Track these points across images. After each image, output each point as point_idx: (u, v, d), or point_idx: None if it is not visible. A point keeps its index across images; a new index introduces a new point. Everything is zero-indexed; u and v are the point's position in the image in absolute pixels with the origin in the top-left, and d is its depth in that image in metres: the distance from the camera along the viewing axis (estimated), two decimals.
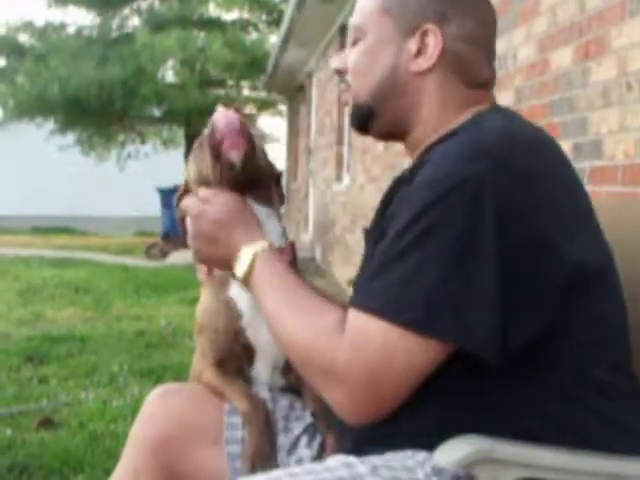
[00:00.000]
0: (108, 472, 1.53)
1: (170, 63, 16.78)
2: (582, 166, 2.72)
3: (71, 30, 17.38)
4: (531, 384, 1.12)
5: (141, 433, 1.45)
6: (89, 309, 6.84)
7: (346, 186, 8.54)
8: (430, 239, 1.07)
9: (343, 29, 8.90)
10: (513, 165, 1.09)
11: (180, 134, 18.22)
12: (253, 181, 1.39)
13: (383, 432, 1.16)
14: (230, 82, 17.54)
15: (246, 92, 18.25)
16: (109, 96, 15.18)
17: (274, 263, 1.26)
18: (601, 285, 1.16)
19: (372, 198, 6.77)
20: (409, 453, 1.14)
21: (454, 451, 1.08)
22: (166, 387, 1.51)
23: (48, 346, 5.03)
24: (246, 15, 17.47)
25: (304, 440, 1.41)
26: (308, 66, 12.14)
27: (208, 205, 1.34)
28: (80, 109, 15.46)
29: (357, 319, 1.11)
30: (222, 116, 1.36)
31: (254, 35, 17.49)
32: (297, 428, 1.43)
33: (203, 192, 1.37)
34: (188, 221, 1.37)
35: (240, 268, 1.28)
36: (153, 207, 14.07)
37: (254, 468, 1.34)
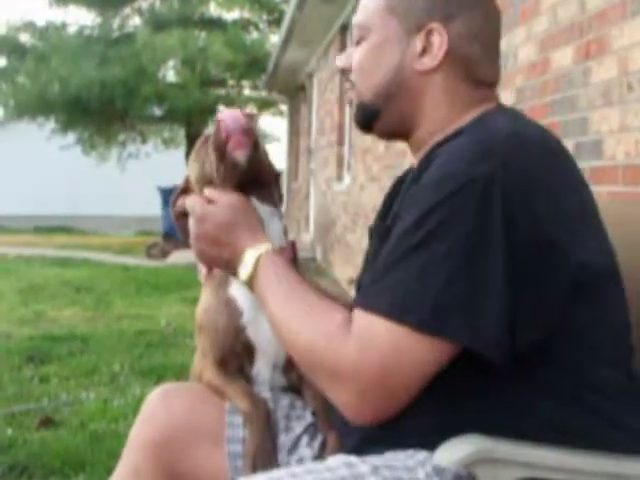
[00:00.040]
0: (109, 472, 1.53)
1: (171, 63, 16.79)
2: (583, 166, 2.71)
3: (72, 30, 17.39)
4: (532, 384, 1.12)
5: (141, 433, 1.44)
6: (90, 309, 6.85)
7: (347, 186, 8.54)
8: (438, 238, 1.07)
9: (344, 29, 8.90)
10: (520, 165, 1.09)
11: (181, 134, 18.23)
12: (256, 180, 1.40)
13: (385, 431, 1.16)
14: (231, 82, 17.53)
15: (247, 92, 18.25)
16: (110, 96, 15.18)
17: (278, 265, 1.26)
18: (605, 286, 1.16)
19: (373, 198, 6.77)
20: (410, 453, 1.14)
21: (455, 451, 1.08)
22: (166, 387, 1.51)
23: (49, 345, 5.03)
24: (247, 15, 17.47)
25: (305, 439, 1.41)
26: (309, 66, 12.14)
27: (213, 206, 1.35)
28: (81, 109, 15.46)
29: (363, 319, 1.11)
30: (229, 115, 1.37)
31: (255, 35, 17.50)
32: (298, 427, 1.43)
33: (209, 192, 1.37)
34: (191, 222, 1.37)
35: (244, 271, 1.28)
36: (154, 207, 14.07)
37: (255, 467, 1.34)
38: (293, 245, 1.46)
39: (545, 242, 1.07)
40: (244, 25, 17.25)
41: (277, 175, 1.52)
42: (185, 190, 1.48)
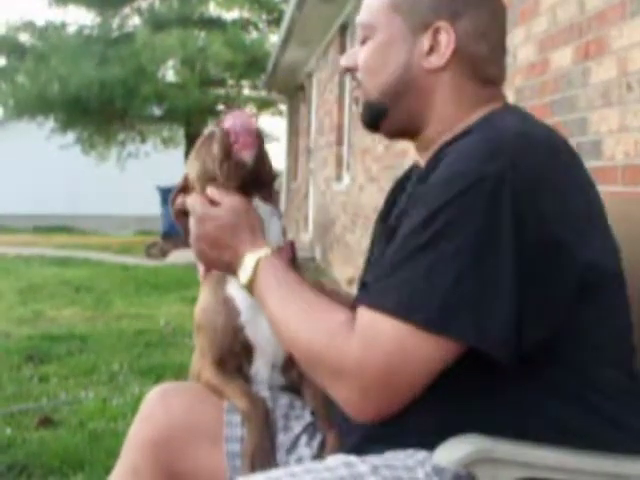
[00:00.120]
0: (108, 471, 1.53)
1: (170, 62, 16.79)
2: None
3: (71, 29, 17.40)
4: (538, 383, 1.12)
5: (140, 432, 1.44)
6: (89, 308, 6.85)
7: (346, 186, 8.54)
8: (446, 237, 1.07)
9: (343, 29, 8.90)
10: (528, 165, 1.09)
11: (180, 133, 18.23)
12: (258, 180, 1.40)
13: (386, 430, 1.16)
14: (230, 81, 17.53)
15: (246, 91, 18.27)
16: (109, 95, 15.18)
17: (277, 267, 1.27)
18: (610, 286, 1.16)
19: (372, 198, 6.77)
20: (410, 452, 1.14)
21: (454, 450, 1.08)
22: (165, 386, 1.51)
23: (48, 345, 5.03)
24: (246, 14, 17.48)
25: (304, 439, 1.41)
26: (308, 66, 12.14)
27: (214, 208, 1.35)
28: (80, 108, 15.46)
29: (368, 317, 1.11)
30: (236, 116, 1.38)
31: (254, 34, 17.50)
32: (297, 427, 1.43)
33: (212, 192, 1.37)
34: (191, 221, 1.37)
35: (244, 275, 1.28)
36: (153, 206, 14.06)
37: (253, 466, 1.34)
38: (292, 245, 1.46)
39: (552, 241, 1.07)
40: (243, 25, 17.25)
41: (275, 176, 1.53)
42: (184, 188, 1.48)
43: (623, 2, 2.50)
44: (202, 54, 15.65)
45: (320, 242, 10.51)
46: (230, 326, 1.44)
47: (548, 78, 3.09)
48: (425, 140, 1.30)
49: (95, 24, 17.79)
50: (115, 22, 18.00)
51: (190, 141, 16.39)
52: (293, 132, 15.31)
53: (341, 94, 9.12)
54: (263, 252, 1.28)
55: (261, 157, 1.39)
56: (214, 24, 16.77)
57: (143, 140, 18.23)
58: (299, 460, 1.38)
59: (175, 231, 11.85)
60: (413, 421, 1.14)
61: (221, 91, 17.69)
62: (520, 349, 1.07)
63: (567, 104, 2.90)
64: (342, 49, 9.02)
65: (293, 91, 14.82)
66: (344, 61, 1.35)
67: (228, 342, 1.45)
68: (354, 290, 1.61)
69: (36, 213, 21.98)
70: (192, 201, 1.38)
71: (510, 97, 3.41)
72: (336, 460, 1.14)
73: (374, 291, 1.14)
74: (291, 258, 1.43)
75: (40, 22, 17.49)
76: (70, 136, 17.42)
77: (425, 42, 1.24)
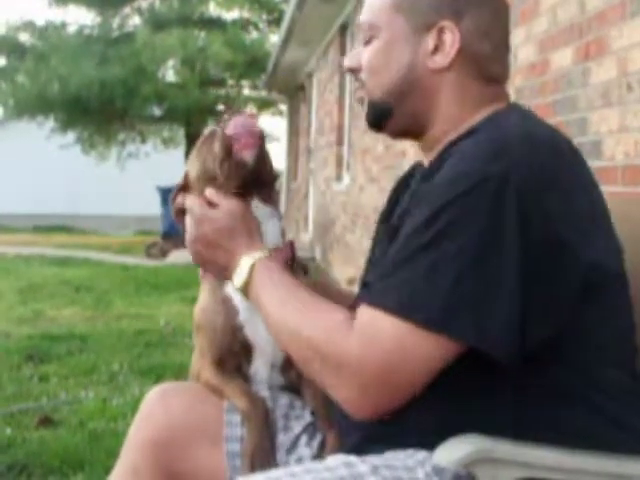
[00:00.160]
0: (108, 471, 1.53)
1: (170, 62, 16.80)
2: None
3: (72, 29, 17.40)
4: (541, 383, 1.12)
5: (140, 432, 1.44)
6: (89, 308, 6.85)
7: (346, 186, 8.54)
8: (449, 237, 1.07)
9: (344, 29, 8.90)
10: (533, 165, 1.09)
11: (180, 133, 18.24)
12: (258, 181, 1.41)
13: (386, 430, 1.16)
14: (230, 81, 17.54)
15: (246, 91, 18.27)
16: (109, 95, 15.18)
17: (273, 270, 1.27)
18: (613, 286, 1.16)
19: (372, 198, 6.77)
20: (410, 452, 1.14)
21: (454, 450, 1.08)
22: (164, 386, 1.51)
23: (48, 345, 5.03)
24: (246, 14, 17.48)
25: (304, 439, 1.41)
26: (308, 66, 12.14)
27: (212, 210, 1.35)
28: (80, 108, 15.47)
29: (368, 315, 1.11)
30: (239, 116, 1.40)
31: (254, 34, 17.51)
32: (297, 427, 1.43)
33: (210, 193, 1.37)
34: (188, 222, 1.38)
35: (239, 278, 1.28)
36: (153, 206, 14.07)
37: (253, 466, 1.34)
38: (291, 245, 1.46)
39: (556, 240, 1.07)
40: (244, 25, 17.26)
41: (275, 177, 1.53)
42: (184, 187, 1.48)
43: (623, 2, 2.50)
44: (202, 54, 15.65)
45: (320, 242, 10.51)
46: (229, 326, 1.44)
47: (548, 78, 3.09)
48: (429, 140, 1.30)
49: (95, 24, 17.80)
50: (115, 22, 18.00)
51: (190, 141, 16.39)
52: (293, 132, 15.31)
53: (341, 94, 9.12)
54: (258, 254, 1.29)
55: (262, 158, 1.39)
56: (214, 24, 16.77)
57: (143, 140, 18.24)
58: (299, 460, 1.38)
59: (175, 231, 11.87)
60: (413, 420, 1.14)
61: (221, 91, 17.70)
62: (524, 348, 1.07)
63: (567, 104, 2.90)
64: (342, 49, 9.02)
65: (293, 91, 14.83)
66: (348, 62, 1.35)
67: (227, 342, 1.45)
68: (355, 289, 1.61)
69: (36, 213, 21.98)
70: (190, 202, 1.38)
71: (510, 97, 3.40)
72: (336, 460, 1.14)
73: (375, 290, 1.14)
74: (290, 259, 1.43)
75: (40, 22, 17.57)
76: (70, 136, 17.43)
77: (429, 42, 1.24)
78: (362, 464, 1.11)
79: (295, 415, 1.45)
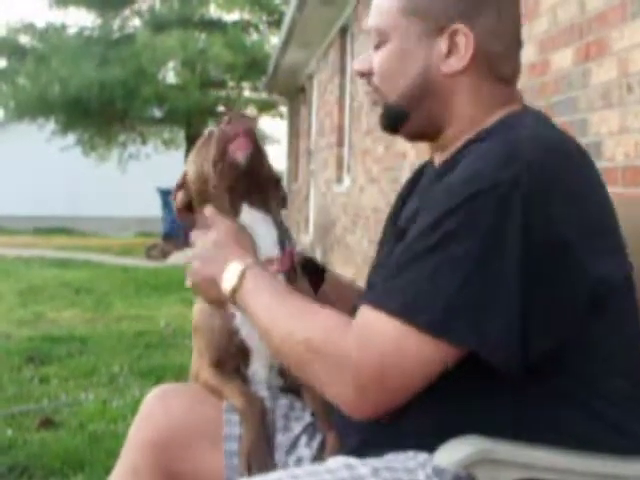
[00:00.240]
0: (108, 472, 1.53)
1: (171, 64, 16.82)
2: None
3: (72, 31, 17.42)
4: (537, 389, 1.12)
5: (139, 433, 1.44)
6: (90, 310, 6.85)
7: (346, 187, 8.54)
8: (455, 240, 1.07)
9: (344, 31, 8.91)
10: (544, 169, 1.09)
11: (181, 135, 18.24)
12: (252, 185, 1.40)
13: (386, 432, 1.16)
14: (231, 83, 17.55)
15: (247, 93, 18.28)
16: (110, 97, 15.19)
17: (264, 276, 1.27)
18: (620, 294, 1.16)
19: (372, 199, 6.77)
20: (410, 454, 1.14)
21: (454, 452, 1.08)
22: (164, 387, 1.51)
23: (49, 346, 5.04)
24: (247, 16, 17.49)
25: (304, 439, 1.41)
26: (309, 67, 12.14)
27: (211, 232, 1.37)
28: (81, 110, 15.48)
29: (369, 315, 1.11)
30: (234, 117, 1.40)
31: (255, 36, 17.52)
32: (297, 427, 1.43)
33: (209, 212, 1.40)
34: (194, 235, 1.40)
35: (228, 283, 1.28)
36: (154, 208, 14.08)
37: (250, 465, 1.34)
38: (291, 254, 1.46)
39: (558, 242, 1.07)
40: (244, 26, 17.26)
41: (277, 179, 1.52)
42: (184, 185, 1.49)
43: (624, 3, 2.50)
44: (202, 56, 15.66)
45: (321, 243, 10.51)
46: (226, 328, 1.44)
47: (548, 79, 3.09)
48: (443, 142, 1.29)
49: (95, 25, 17.81)
50: (115, 23, 18.01)
51: (191, 142, 16.39)
52: (294, 134, 15.32)
53: (342, 96, 9.12)
54: (249, 261, 1.29)
55: (257, 159, 1.39)
56: (214, 26, 16.78)
57: (144, 141, 18.24)
58: (298, 461, 1.38)
59: (176, 232, 11.89)
60: (411, 423, 1.14)
61: (222, 93, 17.70)
62: (527, 359, 1.06)
63: (567, 105, 2.90)
64: (342, 51, 9.03)
65: (294, 93, 14.83)
66: (357, 65, 1.34)
67: (225, 344, 1.45)
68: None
69: (36, 214, 21.99)
70: (195, 236, 1.41)
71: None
72: (337, 462, 1.14)
73: (378, 291, 1.14)
74: (289, 268, 1.43)
75: (40, 24, 17.61)
76: (71, 138, 17.43)
77: (442, 45, 1.22)
78: (363, 466, 1.11)
79: (295, 416, 1.45)
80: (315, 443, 1.40)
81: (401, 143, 5.51)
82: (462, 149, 1.22)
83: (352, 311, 1.17)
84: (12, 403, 3.72)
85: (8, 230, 20.15)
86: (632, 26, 2.45)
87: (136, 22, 18.22)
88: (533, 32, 3.22)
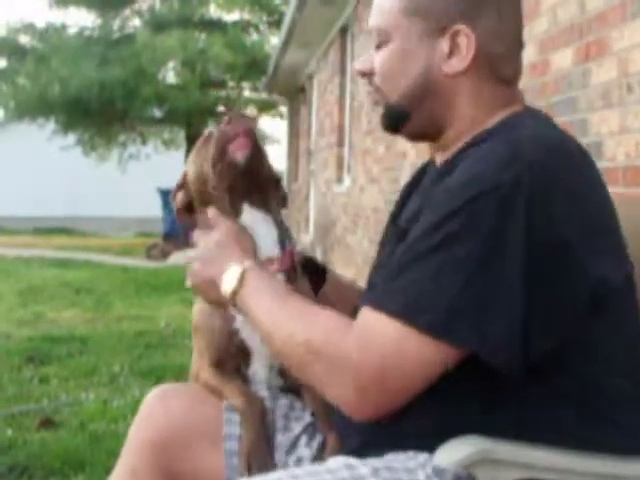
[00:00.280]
0: (108, 471, 1.53)
1: (171, 64, 16.82)
2: None
3: (72, 31, 17.42)
4: (537, 389, 1.12)
5: (139, 433, 1.44)
6: (90, 310, 6.85)
7: (347, 187, 8.54)
8: (457, 241, 1.07)
9: (344, 31, 8.91)
10: (545, 169, 1.09)
11: (181, 135, 18.24)
12: (251, 184, 1.41)
13: (386, 433, 1.16)
14: (231, 83, 17.55)
15: (247, 93, 18.27)
16: (110, 97, 15.20)
17: (264, 278, 1.27)
18: (622, 297, 1.16)
19: (373, 199, 6.77)
20: (410, 454, 1.14)
21: (454, 452, 1.08)
22: (164, 387, 1.51)
23: (49, 346, 5.04)
24: (247, 16, 17.49)
25: (303, 440, 1.41)
26: (309, 67, 12.15)
27: (213, 232, 1.37)
28: (81, 110, 15.48)
29: (370, 317, 1.11)
30: (234, 117, 1.40)
31: (255, 36, 17.52)
32: (297, 427, 1.43)
33: (212, 213, 1.40)
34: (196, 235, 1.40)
35: (228, 285, 1.28)
36: (154, 208, 14.08)
37: (249, 465, 1.34)
38: (291, 253, 1.46)
39: (559, 242, 1.07)
40: (244, 26, 17.26)
41: (278, 179, 1.52)
42: (184, 186, 1.49)
43: (624, 3, 2.50)
44: (202, 56, 15.66)
45: (321, 243, 10.51)
46: (226, 328, 1.44)
47: (548, 79, 3.09)
48: (444, 142, 1.29)
49: (95, 25, 17.81)
50: (116, 23, 18.02)
51: (191, 143, 16.38)
52: (294, 134, 15.31)
53: (342, 96, 9.12)
54: (249, 263, 1.28)
55: (257, 160, 1.39)
56: (214, 26, 16.78)
57: (144, 142, 18.24)
58: (298, 461, 1.38)
59: (176, 232, 11.88)
60: (411, 424, 1.14)
61: (222, 93, 17.70)
62: (528, 360, 1.06)
63: (568, 105, 2.90)
64: (343, 51, 9.03)
65: (294, 93, 14.83)
66: (359, 65, 1.33)
67: (225, 344, 1.45)
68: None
69: (36, 215, 21.98)
70: (197, 236, 1.41)
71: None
72: (337, 462, 1.14)
73: (379, 292, 1.14)
74: (289, 268, 1.43)
75: (41, 24, 17.60)
76: (71, 138, 17.43)
77: (444, 46, 1.22)
78: (363, 466, 1.11)
79: (295, 416, 1.45)
80: (315, 443, 1.40)
81: (401, 143, 5.51)
82: (463, 149, 1.22)
83: (353, 312, 1.17)
84: (12, 403, 3.72)
85: (8, 230, 20.15)
86: (632, 26, 2.45)
87: (136, 22, 18.24)
88: (533, 32, 3.22)
